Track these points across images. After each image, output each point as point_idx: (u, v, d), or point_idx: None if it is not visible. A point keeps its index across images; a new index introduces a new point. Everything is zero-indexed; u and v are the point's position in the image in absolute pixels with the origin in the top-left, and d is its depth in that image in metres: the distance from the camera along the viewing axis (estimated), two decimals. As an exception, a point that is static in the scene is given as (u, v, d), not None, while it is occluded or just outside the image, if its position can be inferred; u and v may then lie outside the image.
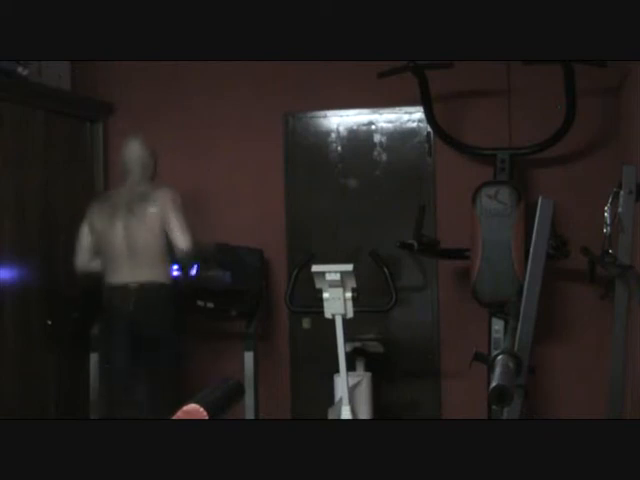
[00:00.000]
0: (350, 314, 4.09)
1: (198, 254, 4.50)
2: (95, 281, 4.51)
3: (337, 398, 4.33)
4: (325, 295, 4.07)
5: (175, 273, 4.54)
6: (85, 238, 4.52)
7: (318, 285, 4.07)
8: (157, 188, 4.47)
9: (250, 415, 4.76)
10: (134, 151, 4.53)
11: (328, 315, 4.10)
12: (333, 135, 5.28)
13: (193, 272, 4.66)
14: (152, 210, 4.39)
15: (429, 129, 5.06)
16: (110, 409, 4.51)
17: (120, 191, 4.57)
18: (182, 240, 4.36)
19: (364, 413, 4.45)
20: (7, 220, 4.55)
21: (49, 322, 4.75)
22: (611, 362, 3.37)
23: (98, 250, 4.51)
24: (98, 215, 4.49)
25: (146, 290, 4.37)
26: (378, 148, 5.22)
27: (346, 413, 4.06)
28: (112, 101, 5.43)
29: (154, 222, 4.38)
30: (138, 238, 4.39)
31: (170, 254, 4.43)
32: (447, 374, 5.11)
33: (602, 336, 3.81)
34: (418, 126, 5.17)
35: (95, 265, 4.53)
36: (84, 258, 4.53)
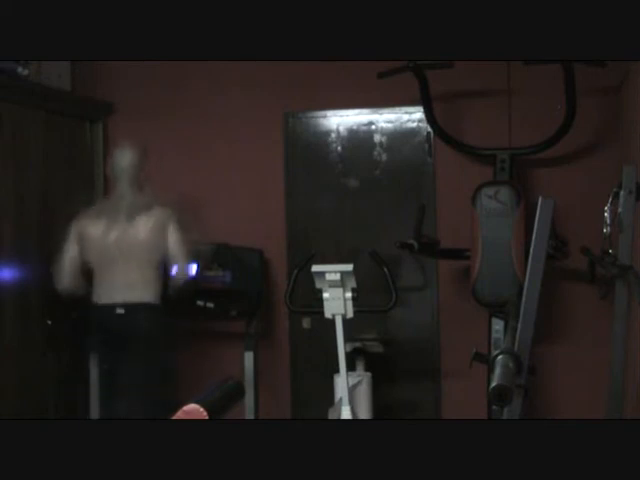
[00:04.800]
0: (350, 314, 4.09)
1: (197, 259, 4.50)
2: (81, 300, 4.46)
3: (337, 398, 4.33)
4: (325, 295, 4.07)
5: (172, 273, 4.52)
6: (70, 255, 4.42)
7: (318, 285, 4.07)
8: (154, 202, 4.42)
9: (250, 415, 4.76)
10: (121, 160, 4.46)
11: (328, 315, 4.10)
12: (333, 135, 5.28)
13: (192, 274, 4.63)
14: (150, 227, 4.35)
15: (429, 129, 5.06)
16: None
17: (110, 203, 4.51)
18: (183, 268, 4.37)
19: (364, 413, 4.45)
20: (7, 220, 4.55)
21: (49, 322, 4.75)
22: (611, 362, 3.37)
23: (84, 267, 4.43)
24: (87, 230, 4.42)
25: (135, 311, 4.34)
26: (378, 148, 5.22)
27: (346, 413, 4.06)
28: (112, 101, 5.43)
29: (151, 240, 4.35)
30: (130, 254, 4.35)
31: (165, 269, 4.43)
32: (447, 374, 5.10)
33: (602, 336, 3.80)
34: (418, 126, 5.17)
35: (80, 287, 4.44)
36: (68, 277, 4.43)
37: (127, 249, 4.35)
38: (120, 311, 4.32)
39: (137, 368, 4.35)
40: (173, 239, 4.36)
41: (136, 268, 4.35)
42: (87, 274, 4.47)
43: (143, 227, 4.36)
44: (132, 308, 4.33)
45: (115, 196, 4.51)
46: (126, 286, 4.33)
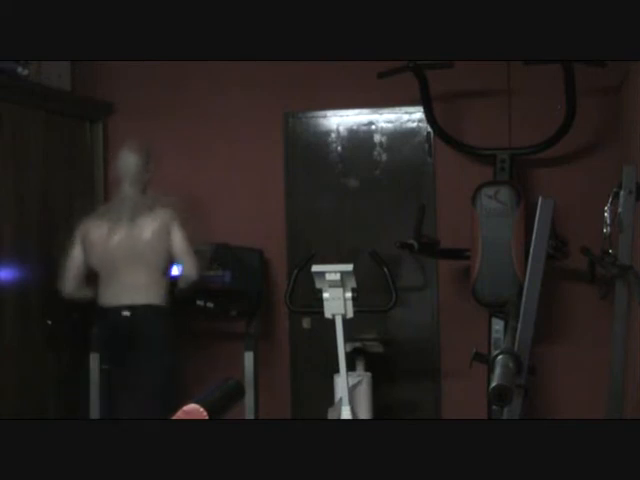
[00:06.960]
0: (350, 314, 4.09)
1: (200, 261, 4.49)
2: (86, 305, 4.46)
3: (337, 398, 4.33)
4: (325, 295, 4.06)
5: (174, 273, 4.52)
6: (76, 261, 4.41)
7: (318, 285, 4.07)
8: (156, 204, 4.40)
9: (250, 415, 4.76)
10: (127, 161, 4.44)
11: (328, 315, 4.10)
12: (333, 135, 5.28)
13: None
14: (153, 228, 4.34)
15: (429, 129, 5.06)
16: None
17: (113, 205, 4.50)
18: (190, 266, 4.35)
19: (364, 413, 4.45)
20: (7, 220, 4.55)
21: (49, 322, 4.75)
22: (611, 362, 3.37)
23: (90, 272, 4.42)
24: (91, 233, 4.41)
25: (141, 313, 4.33)
26: (378, 148, 5.22)
27: (346, 413, 4.06)
28: (112, 101, 5.43)
29: (154, 241, 4.34)
30: (135, 256, 4.34)
31: (170, 271, 4.43)
32: (447, 374, 5.10)
33: (602, 336, 3.80)
34: (418, 126, 5.17)
35: (85, 292, 4.44)
36: (74, 283, 4.42)
37: (131, 251, 4.34)
38: (126, 313, 4.32)
39: (143, 369, 4.34)
40: (177, 240, 4.35)
41: (141, 270, 4.34)
42: (93, 277, 4.47)
43: (146, 229, 4.35)
44: (138, 310, 4.33)
45: (118, 198, 4.50)
46: (131, 288, 4.32)
